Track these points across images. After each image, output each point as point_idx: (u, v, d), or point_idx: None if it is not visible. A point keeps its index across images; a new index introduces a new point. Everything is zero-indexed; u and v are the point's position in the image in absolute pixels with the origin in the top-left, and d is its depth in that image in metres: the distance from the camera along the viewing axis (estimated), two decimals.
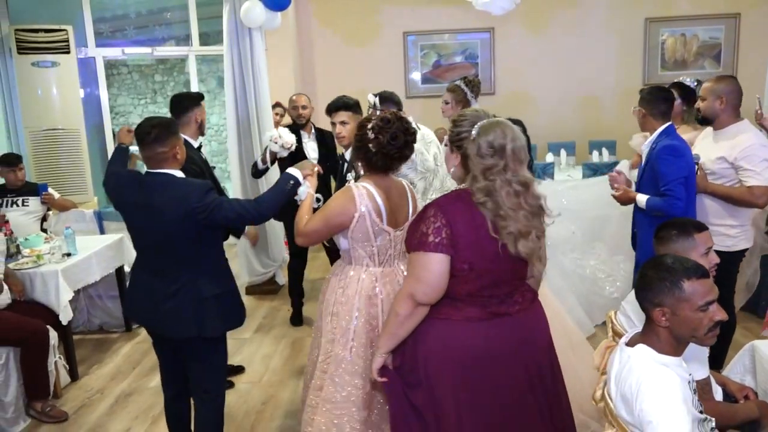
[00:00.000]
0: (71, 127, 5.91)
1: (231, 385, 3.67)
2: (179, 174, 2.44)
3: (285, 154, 3.94)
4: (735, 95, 3.07)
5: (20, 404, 3.38)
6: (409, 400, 1.95)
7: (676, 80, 4.12)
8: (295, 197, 2.48)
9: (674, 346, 1.66)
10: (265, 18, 4.77)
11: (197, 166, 3.25)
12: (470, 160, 1.85)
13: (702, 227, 2.07)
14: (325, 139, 4.49)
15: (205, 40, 7.01)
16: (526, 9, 5.16)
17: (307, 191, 2.47)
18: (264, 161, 4.10)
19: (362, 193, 2.31)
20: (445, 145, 1.99)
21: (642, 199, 2.96)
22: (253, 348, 4.27)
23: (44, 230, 4.70)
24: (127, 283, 3.61)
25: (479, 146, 1.82)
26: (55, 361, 3.56)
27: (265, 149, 4.05)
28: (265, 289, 5.31)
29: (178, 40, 8.63)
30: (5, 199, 4.63)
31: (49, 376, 3.44)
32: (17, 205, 4.63)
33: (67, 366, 3.79)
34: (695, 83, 4.04)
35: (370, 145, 2.30)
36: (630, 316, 2.20)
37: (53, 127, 5.86)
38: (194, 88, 6.86)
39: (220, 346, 2.58)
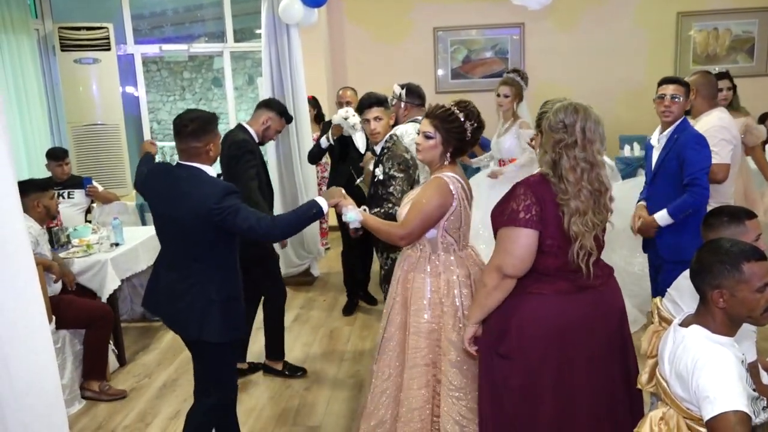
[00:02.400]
0: (111, 122, 6.08)
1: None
2: (209, 170, 2.42)
3: (356, 128, 4.11)
4: (705, 87, 3.38)
5: (75, 387, 3.52)
6: (497, 368, 2.08)
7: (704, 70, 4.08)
8: (352, 227, 2.46)
9: (729, 327, 1.72)
10: (302, 15, 4.87)
11: (251, 145, 3.44)
12: (544, 135, 2.00)
13: (752, 215, 2.11)
14: None
15: (236, 36, 7.13)
16: (556, 4, 5.18)
17: (357, 215, 2.43)
18: (329, 138, 4.30)
19: (455, 183, 2.38)
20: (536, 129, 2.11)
21: (663, 214, 3.08)
22: (293, 336, 4.38)
23: (88, 221, 4.86)
24: None
25: (550, 121, 1.97)
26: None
27: (333, 126, 4.25)
28: (300, 280, 5.41)
29: (210, 37, 8.78)
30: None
31: (107, 358, 3.59)
32: (63, 198, 4.78)
33: (116, 351, 3.94)
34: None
35: (468, 134, 2.38)
36: (677, 302, 2.24)
37: (94, 122, 6.02)
38: (228, 84, 6.99)
39: (218, 351, 2.48)
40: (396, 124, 3.66)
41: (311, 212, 2.39)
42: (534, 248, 1.96)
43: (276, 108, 3.54)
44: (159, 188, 2.46)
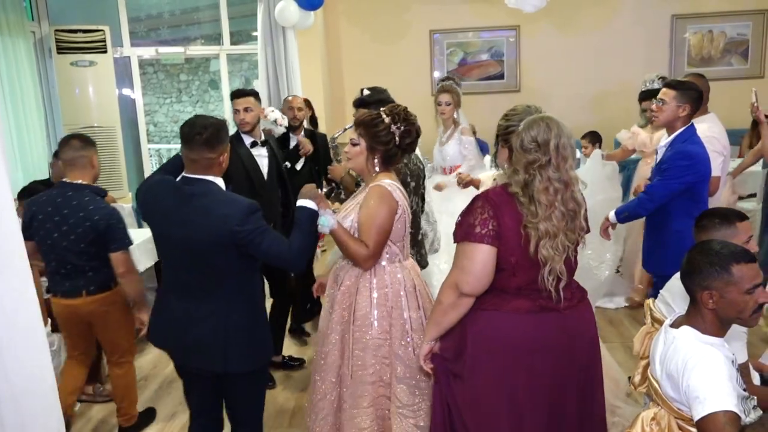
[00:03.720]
0: (107, 124, 6.06)
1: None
2: (221, 183, 2.20)
3: (281, 129, 4.14)
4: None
5: None
6: (452, 389, 1.97)
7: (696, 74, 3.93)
8: (320, 231, 2.23)
9: (719, 328, 1.74)
10: (298, 17, 4.89)
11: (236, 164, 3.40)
12: (514, 153, 1.87)
13: (743, 217, 2.14)
14: (314, 140, 4.46)
15: (232, 39, 7.14)
16: (552, 6, 5.23)
17: (332, 222, 2.22)
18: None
19: (396, 190, 2.27)
20: (495, 144, 2.05)
21: (612, 215, 3.12)
22: (287, 342, 4.38)
23: None
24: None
25: (522, 140, 1.83)
26: None
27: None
28: None
29: (207, 40, 8.80)
30: None
31: (101, 362, 3.59)
32: None
33: None
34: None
35: (397, 138, 2.27)
36: (670, 303, 2.27)
37: (90, 124, 5.99)
38: (224, 86, 7.00)
39: (255, 378, 2.32)
40: None
41: (314, 224, 2.21)
42: (491, 265, 1.83)
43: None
44: (163, 207, 2.18)
